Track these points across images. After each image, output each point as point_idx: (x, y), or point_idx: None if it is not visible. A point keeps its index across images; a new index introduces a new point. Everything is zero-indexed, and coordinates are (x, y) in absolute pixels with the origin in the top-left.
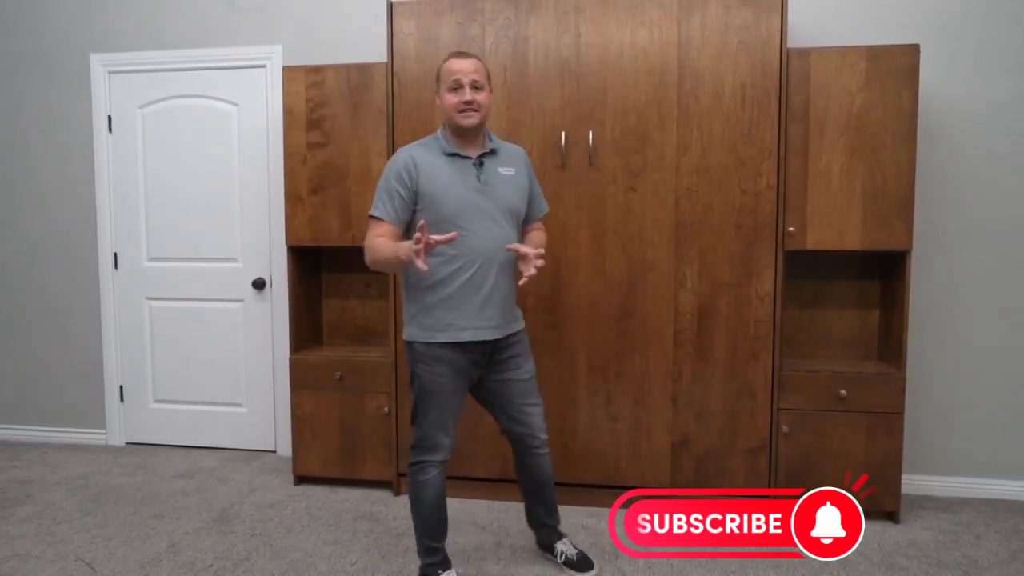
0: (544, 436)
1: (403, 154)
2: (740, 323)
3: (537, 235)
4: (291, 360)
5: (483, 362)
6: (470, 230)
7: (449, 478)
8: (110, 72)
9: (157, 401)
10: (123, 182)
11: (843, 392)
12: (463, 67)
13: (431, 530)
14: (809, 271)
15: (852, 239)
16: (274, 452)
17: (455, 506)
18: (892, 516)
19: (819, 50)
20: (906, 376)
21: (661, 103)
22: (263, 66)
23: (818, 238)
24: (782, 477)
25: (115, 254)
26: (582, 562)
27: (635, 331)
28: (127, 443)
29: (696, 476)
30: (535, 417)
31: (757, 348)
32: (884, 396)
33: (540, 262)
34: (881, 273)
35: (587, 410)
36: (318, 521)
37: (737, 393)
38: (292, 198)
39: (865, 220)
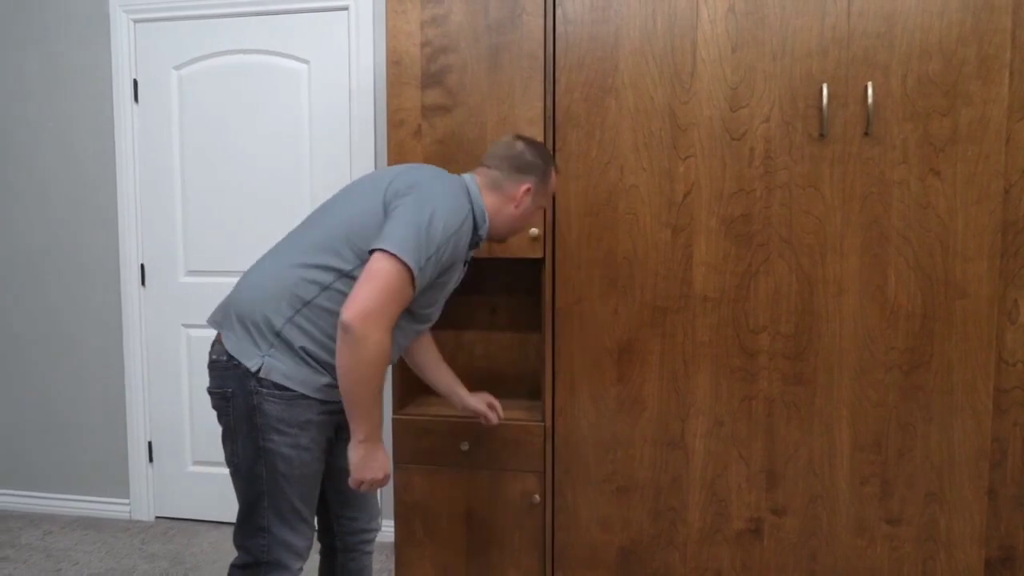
0: (379, 526)
1: (469, 220)
2: None
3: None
4: (395, 421)
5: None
6: (425, 323)
7: None
8: (136, 21)
9: (197, 463)
10: (153, 169)
11: None
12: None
13: None
14: None
15: None
16: None
17: None
18: None
19: None
20: None
21: (984, 37)
22: (345, 8)
23: None
24: None
25: (142, 266)
26: None
27: (932, 389)
28: (157, 517)
29: None
30: (374, 496)
31: None
32: None
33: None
34: None
35: (851, 506)
36: None
37: None
38: None
39: None
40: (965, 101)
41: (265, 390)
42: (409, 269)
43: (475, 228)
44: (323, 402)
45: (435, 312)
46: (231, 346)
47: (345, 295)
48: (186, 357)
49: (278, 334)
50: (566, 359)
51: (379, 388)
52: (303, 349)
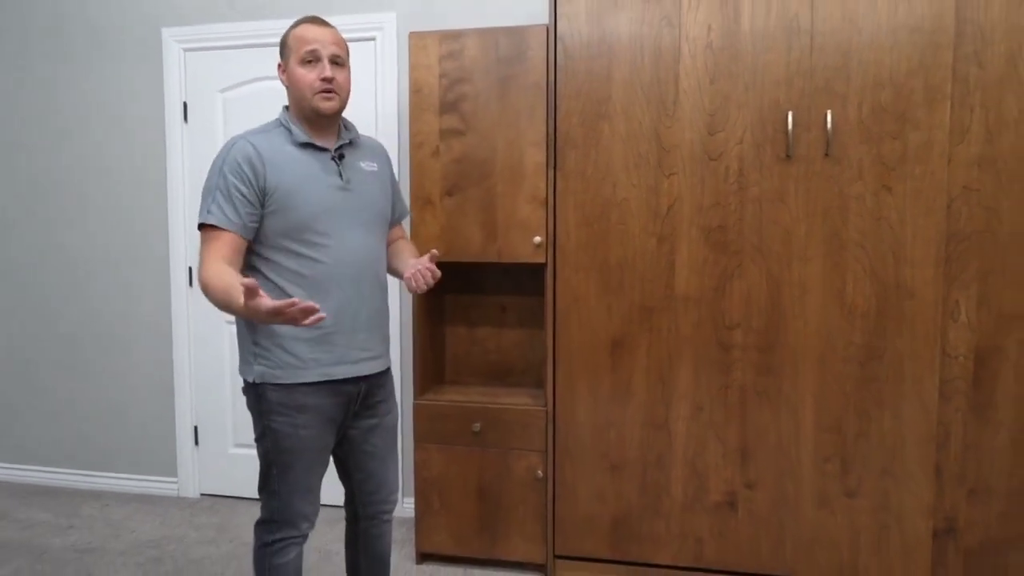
0: (396, 500)
1: (240, 143)
2: None
3: (407, 246)
4: (415, 406)
5: (354, 406)
6: (334, 238)
7: (621, 563)
8: (185, 49)
9: (238, 445)
10: (200, 182)
11: None
12: (320, 36)
13: None
14: None
15: None
16: None
17: None
18: None
19: None
20: None
21: (929, 71)
22: (372, 38)
23: None
24: None
25: (190, 269)
26: None
27: (884, 379)
28: (202, 494)
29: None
30: (393, 473)
31: None
32: None
33: (433, 267)
34: None
35: (814, 481)
36: None
37: None
38: (420, 201)
39: None
40: (913, 126)
41: (268, 384)
42: (205, 224)
43: (288, 131)
44: (319, 385)
45: (331, 225)
46: (239, 367)
47: (263, 275)
48: (228, 350)
49: (256, 342)
50: (565, 352)
51: (219, 299)
52: (280, 337)
